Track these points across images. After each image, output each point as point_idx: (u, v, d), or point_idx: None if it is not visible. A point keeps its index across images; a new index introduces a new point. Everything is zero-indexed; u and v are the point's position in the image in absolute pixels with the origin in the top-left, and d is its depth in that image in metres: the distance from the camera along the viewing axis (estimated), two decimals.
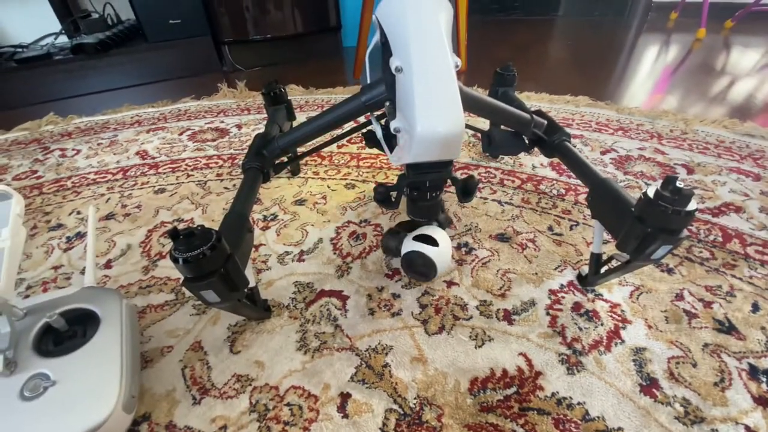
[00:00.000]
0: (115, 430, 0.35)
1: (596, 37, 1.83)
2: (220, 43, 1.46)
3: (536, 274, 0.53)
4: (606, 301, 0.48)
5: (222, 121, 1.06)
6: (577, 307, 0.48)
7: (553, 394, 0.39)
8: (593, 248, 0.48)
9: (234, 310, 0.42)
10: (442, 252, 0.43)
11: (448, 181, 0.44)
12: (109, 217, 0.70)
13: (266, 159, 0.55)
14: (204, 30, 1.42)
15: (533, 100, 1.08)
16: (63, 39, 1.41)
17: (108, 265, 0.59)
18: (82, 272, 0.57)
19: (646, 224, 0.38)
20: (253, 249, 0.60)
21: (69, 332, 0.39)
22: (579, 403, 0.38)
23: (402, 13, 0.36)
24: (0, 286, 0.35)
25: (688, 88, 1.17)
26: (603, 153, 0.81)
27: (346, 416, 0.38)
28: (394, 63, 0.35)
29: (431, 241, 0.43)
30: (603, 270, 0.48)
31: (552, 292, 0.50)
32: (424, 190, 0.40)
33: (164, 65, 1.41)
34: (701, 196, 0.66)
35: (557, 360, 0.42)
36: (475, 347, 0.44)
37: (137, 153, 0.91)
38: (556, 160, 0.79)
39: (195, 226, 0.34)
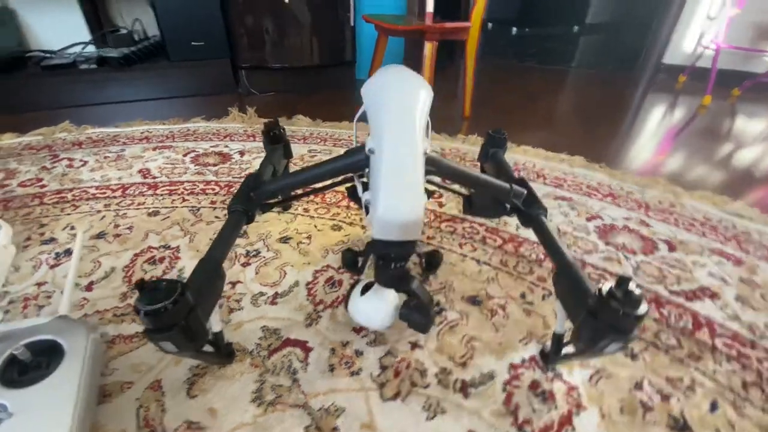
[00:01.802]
0: None
1: (605, 92, 1.87)
2: (238, 67, 1.52)
3: (501, 344, 0.53)
4: (564, 382, 0.49)
5: (227, 146, 1.10)
6: (534, 385, 0.48)
7: None
8: (556, 327, 0.48)
9: (193, 357, 0.43)
10: (360, 302, 0.44)
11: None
12: (101, 236, 0.72)
13: (253, 202, 0.57)
14: (224, 53, 1.48)
15: (529, 155, 1.11)
16: (90, 49, 1.48)
17: (89, 287, 0.60)
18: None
19: (597, 320, 0.39)
20: (230, 286, 0.62)
21: (34, 363, 0.40)
22: None
23: (381, 98, 0.38)
24: None
25: (688, 153, 1.18)
26: (588, 219, 0.82)
27: None
28: (368, 145, 0.37)
29: (365, 289, 0.44)
30: (564, 351, 0.49)
31: (513, 366, 0.50)
32: (388, 260, 0.41)
33: (182, 83, 1.47)
34: (678, 277, 0.67)
35: None
36: (426, 419, 0.44)
37: (140, 171, 0.95)
38: None
39: (162, 278, 0.36)
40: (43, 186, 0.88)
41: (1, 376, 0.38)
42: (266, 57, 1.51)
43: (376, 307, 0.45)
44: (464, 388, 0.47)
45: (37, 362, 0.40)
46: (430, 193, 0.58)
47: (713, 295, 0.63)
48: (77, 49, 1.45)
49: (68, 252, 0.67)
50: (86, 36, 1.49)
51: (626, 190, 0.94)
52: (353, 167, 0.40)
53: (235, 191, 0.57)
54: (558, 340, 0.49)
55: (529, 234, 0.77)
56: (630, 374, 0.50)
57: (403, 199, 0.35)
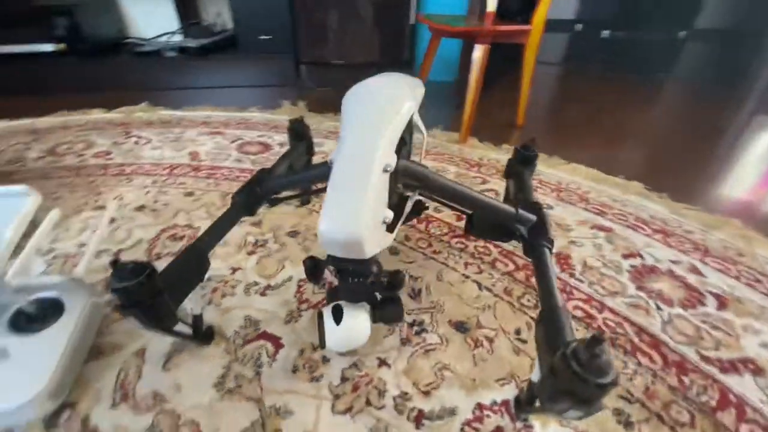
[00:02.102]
0: (38, 411, 0.41)
1: (698, 109, 1.62)
2: (299, 61, 1.59)
3: (474, 380, 0.50)
4: None
5: (271, 137, 1.16)
6: (497, 431, 0.44)
7: None
8: (532, 374, 0.44)
9: (163, 334, 0.46)
10: (340, 331, 0.43)
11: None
12: (140, 208, 0.81)
13: (257, 196, 0.59)
14: (288, 48, 1.56)
15: (578, 175, 1.00)
16: (176, 38, 1.66)
17: (117, 254, 0.68)
18: (97, 257, 0.67)
19: (556, 380, 0.34)
20: (231, 271, 0.65)
21: (39, 315, 0.47)
22: None
23: (348, 108, 0.37)
24: None
25: None
26: (625, 257, 0.72)
27: None
28: (330, 155, 0.37)
29: (338, 317, 0.43)
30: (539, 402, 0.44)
31: (480, 406, 0.47)
32: (347, 274, 0.40)
33: (248, 74, 1.58)
34: (718, 342, 0.56)
35: None
36: None
37: (190, 153, 1.04)
38: (562, 247, 0.73)
39: (137, 260, 0.39)
40: (109, 158, 1.01)
41: (11, 323, 0.45)
42: (326, 53, 1.56)
43: (357, 329, 0.44)
44: (419, 418, 0.45)
45: (41, 315, 0.47)
46: (420, 209, 0.56)
47: (758, 371, 0.52)
48: (166, 38, 1.63)
49: (112, 220, 0.77)
50: (175, 26, 1.67)
51: (685, 228, 0.81)
52: (318, 178, 0.39)
53: (244, 182, 0.61)
54: (532, 389, 0.44)
55: None
56: None
57: (340, 216, 0.34)
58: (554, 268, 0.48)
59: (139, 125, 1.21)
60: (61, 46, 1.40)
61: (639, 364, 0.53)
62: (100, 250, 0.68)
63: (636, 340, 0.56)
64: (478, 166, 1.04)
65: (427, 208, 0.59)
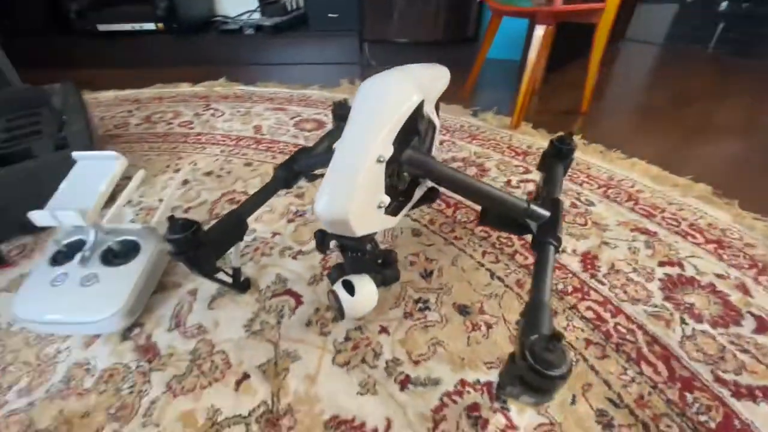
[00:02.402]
0: (116, 325, 0.55)
1: None
2: (363, 39, 1.63)
3: (464, 359, 0.54)
4: (507, 418, 0.47)
5: (326, 115, 1.24)
6: (473, 408, 0.48)
7: None
8: None
9: (209, 280, 0.57)
10: (356, 301, 0.49)
11: None
12: (208, 173, 0.95)
13: (294, 172, 0.67)
14: (354, 26, 1.60)
15: (635, 171, 0.93)
16: (256, 16, 1.79)
17: (186, 210, 0.82)
18: (172, 211, 0.82)
19: (513, 366, 0.37)
20: (271, 235, 0.75)
21: (122, 252, 0.60)
22: None
23: (358, 101, 0.42)
24: (93, 219, 0.57)
25: None
26: (661, 264, 0.68)
27: (237, 390, 0.50)
28: (336, 143, 0.42)
29: (350, 289, 0.49)
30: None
31: (463, 382, 0.51)
32: (346, 248, 0.46)
33: (315, 52, 1.67)
34: (742, 365, 0.52)
35: None
36: (357, 393, 0.50)
37: (254, 127, 1.17)
38: (592, 247, 0.71)
39: (187, 218, 0.49)
40: (191, 128, 1.17)
41: (102, 257, 0.59)
42: (390, 31, 1.58)
43: (368, 296, 0.50)
44: (404, 382, 0.51)
45: (125, 252, 0.60)
46: (434, 196, 0.59)
47: None
48: (246, 16, 1.77)
49: (185, 182, 0.91)
50: (255, 4, 1.80)
51: (747, 241, 0.73)
52: (327, 162, 0.45)
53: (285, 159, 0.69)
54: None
55: (568, 261, 0.69)
56: None
57: (331, 199, 0.39)
58: (553, 266, 0.49)
59: (216, 99, 1.37)
60: (160, 25, 1.61)
61: (640, 373, 0.52)
62: (174, 206, 0.83)
63: (645, 349, 0.55)
64: (525, 155, 1.01)
65: (440, 195, 0.62)
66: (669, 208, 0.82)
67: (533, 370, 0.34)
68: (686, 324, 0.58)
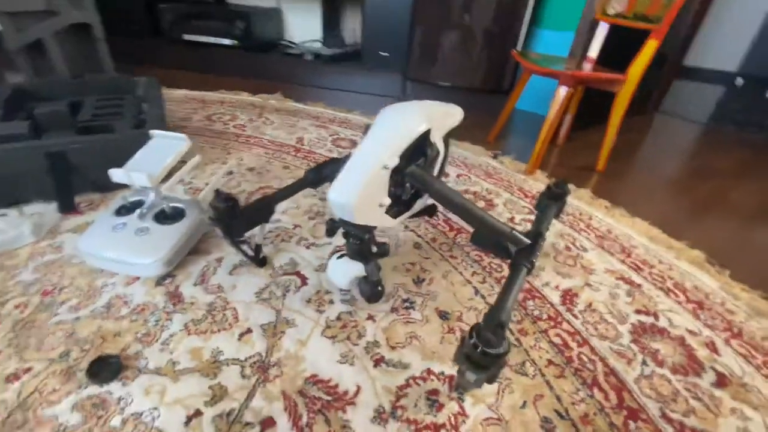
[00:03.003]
0: (155, 270, 0.67)
1: None
2: (407, 77, 1.80)
3: (435, 353, 0.61)
4: (461, 406, 0.54)
5: (360, 137, 1.37)
6: (433, 392, 0.55)
7: (345, 424, 0.50)
8: None
9: (237, 250, 0.68)
10: (335, 265, 0.60)
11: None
12: (251, 169, 1.09)
13: (321, 176, 0.79)
14: (400, 65, 1.78)
15: (634, 229, 0.98)
16: (317, 45, 2.01)
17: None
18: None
19: (462, 345, 0.45)
20: (293, 226, 0.87)
21: (171, 215, 0.73)
22: None
23: (377, 120, 0.53)
24: (156, 182, 0.71)
25: None
26: (637, 312, 0.73)
27: (239, 340, 0.60)
28: (355, 149, 0.53)
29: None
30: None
31: (429, 371, 0.58)
32: (348, 235, 0.56)
33: (362, 82, 1.85)
34: (692, 410, 0.56)
35: (373, 411, 0.52)
36: (337, 362, 0.58)
37: (297, 138, 1.32)
38: (575, 286, 0.77)
39: (230, 194, 0.62)
40: (243, 130, 1.34)
41: (155, 216, 0.72)
42: (432, 74, 1.73)
43: (340, 269, 0.61)
44: (378, 361, 0.59)
45: (173, 215, 0.73)
46: (432, 211, 0.69)
47: None
48: (309, 44, 2.00)
49: (230, 173, 1.06)
50: (318, 36, 2.03)
51: (728, 307, 0.76)
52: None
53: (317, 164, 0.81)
54: None
55: (549, 293, 0.75)
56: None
57: (342, 187, 0.49)
58: (521, 284, 0.56)
59: (270, 110, 1.55)
60: (235, 42, 1.85)
61: (591, 396, 0.57)
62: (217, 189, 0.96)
63: (601, 378, 0.60)
64: (533, 198, 1.09)
65: (437, 212, 0.71)
66: (658, 266, 0.86)
67: (475, 346, 0.42)
68: (647, 365, 0.63)
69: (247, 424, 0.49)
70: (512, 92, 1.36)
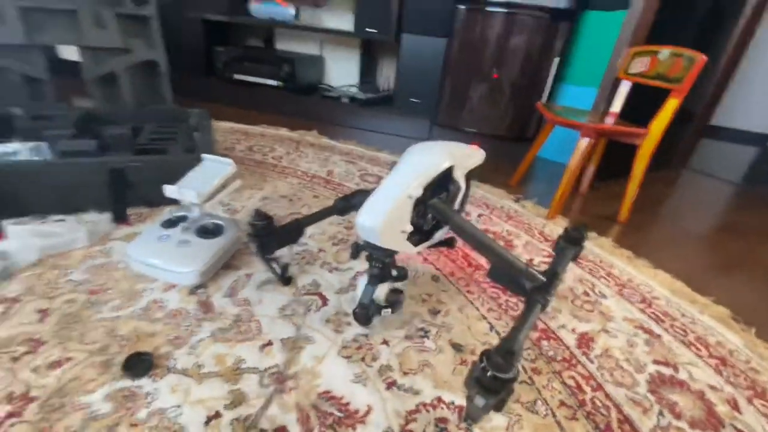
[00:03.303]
0: (191, 280, 0.72)
1: None
2: (434, 123, 1.90)
3: (446, 382, 0.62)
4: None
5: (387, 173, 1.45)
6: (442, 420, 0.56)
7: None
8: None
9: (266, 267, 0.74)
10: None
11: None
12: (284, 196, 1.17)
13: (349, 204, 0.85)
14: (429, 112, 1.89)
15: (655, 280, 0.97)
16: (353, 89, 2.17)
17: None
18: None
19: (473, 370, 0.47)
20: (318, 250, 0.92)
21: (211, 231, 0.80)
22: None
23: (404, 156, 0.59)
24: (204, 200, 0.79)
25: None
26: (656, 362, 0.72)
27: (261, 351, 0.63)
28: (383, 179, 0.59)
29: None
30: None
31: (440, 399, 0.59)
32: (371, 258, 0.60)
33: (393, 125, 1.97)
34: None
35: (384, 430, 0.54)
36: (351, 381, 0.60)
37: (328, 171, 1.41)
38: (591, 330, 0.77)
39: (267, 214, 0.68)
40: (279, 161, 1.44)
41: (197, 230, 0.79)
42: (459, 120, 1.83)
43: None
44: (390, 385, 0.60)
45: (212, 231, 0.80)
46: (451, 243, 0.72)
47: None
48: (346, 88, 2.16)
49: (264, 198, 1.14)
50: (355, 81, 2.20)
51: (752, 365, 0.74)
52: None
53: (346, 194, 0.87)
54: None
55: (565, 335, 0.75)
56: None
57: (369, 212, 0.54)
58: (534, 319, 0.58)
59: (305, 144, 1.67)
60: (280, 83, 2.03)
61: None
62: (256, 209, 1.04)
63: (614, 424, 0.59)
64: (552, 242, 1.11)
65: (455, 244, 0.75)
66: (681, 318, 0.85)
67: (485, 370, 0.44)
68: (663, 416, 0.62)
69: (262, 430, 0.52)
70: (535, 140, 1.42)
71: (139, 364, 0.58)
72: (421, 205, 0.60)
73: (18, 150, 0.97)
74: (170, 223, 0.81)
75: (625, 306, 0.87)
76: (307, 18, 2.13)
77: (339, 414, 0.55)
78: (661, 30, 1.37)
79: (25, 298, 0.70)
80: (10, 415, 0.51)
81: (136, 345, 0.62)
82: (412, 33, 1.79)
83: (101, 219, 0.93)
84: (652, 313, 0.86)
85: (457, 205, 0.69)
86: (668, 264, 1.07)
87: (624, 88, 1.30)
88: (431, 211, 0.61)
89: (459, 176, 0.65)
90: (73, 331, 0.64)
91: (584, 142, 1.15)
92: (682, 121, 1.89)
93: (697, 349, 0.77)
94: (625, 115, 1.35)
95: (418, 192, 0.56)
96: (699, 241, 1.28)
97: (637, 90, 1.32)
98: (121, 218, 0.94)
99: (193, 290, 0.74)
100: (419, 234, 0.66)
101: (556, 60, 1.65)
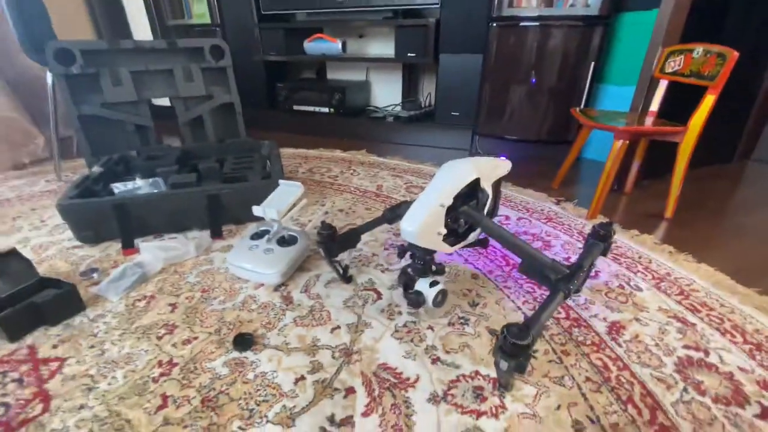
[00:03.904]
0: (275, 279, 0.92)
1: None
2: (476, 133, 2.00)
3: (483, 359, 0.74)
4: (501, 401, 0.65)
5: None
6: (478, 388, 0.68)
7: (407, 400, 0.66)
8: None
9: (331, 268, 0.91)
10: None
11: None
12: (341, 210, 1.36)
13: (396, 214, 1.00)
14: (470, 123, 2.00)
15: (698, 275, 1.00)
16: (397, 108, 2.35)
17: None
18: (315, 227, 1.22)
19: (498, 341, 0.59)
20: (371, 254, 1.08)
21: (288, 241, 1.00)
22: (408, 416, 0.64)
23: (439, 171, 0.73)
24: (281, 216, 0.99)
25: None
26: (686, 347, 0.77)
27: (331, 333, 0.80)
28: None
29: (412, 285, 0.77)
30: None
31: (477, 372, 0.71)
32: (413, 256, 0.75)
33: (436, 138, 2.11)
34: None
35: (429, 395, 0.67)
36: (402, 356, 0.74)
37: (377, 185, 1.58)
38: (623, 319, 0.84)
39: (332, 225, 0.86)
40: (335, 179, 1.65)
41: (277, 240, 0.99)
42: (500, 129, 1.92)
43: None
44: (435, 360, 0.73)
45: (290, 241, 1.00)
46: (485, 244, 0.85)
47: None
48: (391, 108, 2.35)
49: (326, 213, 1.34)
50: (398, 100, 2.38)
51: None
52: None
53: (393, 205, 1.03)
54: None
55: (595, 323, 0.83)
56: None
57: (409, 219, 0.69)
58: (557, 306, 0.68)
59: (356, 163, 1.87)
60: (332, 110, 2.28)
61: (624, 410, 0.65)
62: (316, 225, 1.24)
63: (637, 398, 0.67)
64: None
65: (488, 244, 0.87)
66: (719, 309, 0.88)
67: (504, 336, 0.57)
68: (687, 393, 0.68)
69: (336, 389, 0.68)
70: (574, 144, 1.47)
71: (244, 342, 0.77)
72: (453, 212, 0.73)
73: (141, 186, 1.25)
74: (257, 236, 1.02)
75: (660, 298, 0.92)
76: (354, 49, 2.37)
77: (394, 380, 0.69)
78: (699, 27, 1.37)
79: (158, 296, 0.93)
80: (162, 375, 0.72)
81: (239, 328, 0.82)
82: (449, 53, 1.93)
83: (203, 235, 1.18)
84: (689, 304, 0.90)
85: (486, 210, 0.82)
86: (713, 260, 1.08)
87: (661, 88, 1.33)
88: (463, 216, 0.74)
89: (486, 186, 0.78)
90: (195, 318, 0.86)
91: (618, 144, 1.20)
92: (738, 108, 1.80)
93: (733, 336, 0.80)
94: (668, 113, 1.37)
95: (448, 201, 0.70)
96: (753, 236, 1.25)
97: (675, 86, 1.33)
98: (217, 234, 1.18)
99: (277, 288, 0.94)
100: (455, 236, 0.80)
101: (592, 64, 1.69)
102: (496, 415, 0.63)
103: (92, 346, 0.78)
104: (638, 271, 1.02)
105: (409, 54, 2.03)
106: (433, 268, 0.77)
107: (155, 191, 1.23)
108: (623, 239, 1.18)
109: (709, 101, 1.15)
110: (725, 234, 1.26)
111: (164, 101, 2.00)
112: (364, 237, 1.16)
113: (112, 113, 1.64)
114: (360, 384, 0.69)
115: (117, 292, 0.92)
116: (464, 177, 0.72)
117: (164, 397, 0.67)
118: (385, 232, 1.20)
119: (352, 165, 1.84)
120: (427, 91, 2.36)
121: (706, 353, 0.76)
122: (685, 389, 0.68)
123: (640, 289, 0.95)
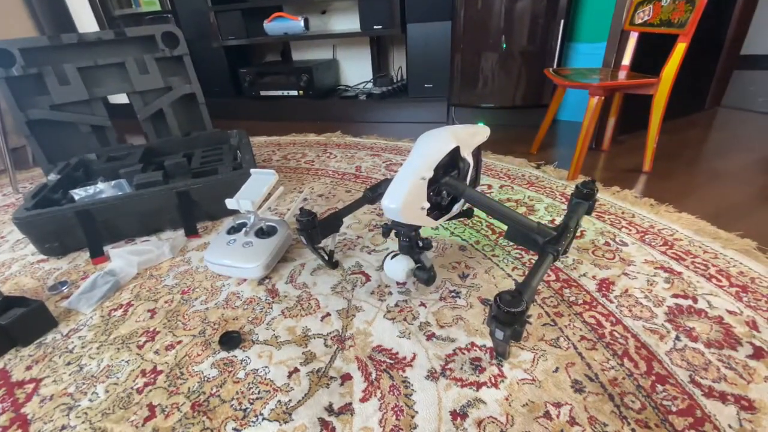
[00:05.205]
0: (257, 273, 0.88)
1: None
2: (451, 104, 1.96)
3: (477, 330, 0.73)
4: (500, 370, 0.65)
5: None
6: (476, 359, 0.67)
7: (405, 380, 0.65)
8: None
9: (315, 255, 0.88)
10: (390, 264, 0.75)
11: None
12: (321, 195, 1.31)
13: (377, 193, 0.97)
14: (444, 94, 1.96)
15: (680, 223, 1.01)
16: (369, 86, 2.28)
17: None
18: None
19: (491, 310, 0.58)
20: (356, 237, 1.05)
21: (267, 232, 0.96)
22: (408, 396, 0.63)
23: (416, 142, 0.70)
24: (257, 207, 0.94)
25: None
26: (675, 296, 0.78)
27: (321, 321, 0.77)
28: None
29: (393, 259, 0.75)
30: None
31: (473, 344, 0.70)
32: (399, 234, 0.72)
33: (410, 113, 2.06)
34: (723, 377, 0.61)
35: (427, 372, 0.66)
36: (397, 336, 0.72)
37: (356, 167, 1.54)
38: (611, 275, 0.84)
39: (311, 211, 0.82)
40: (312, 165, 1.59)
41: (256, 233, 0.94)
42: (474, 97, 1.88)
43: (395, 266, 0.76)
44: (430, 337, 0.72)
45: (269, 231, 0.95)
46: (470, 214, 0.83)
47: (748, 408, 0.56)
48: (362, 85, 2.27)
49: (305, 199, 1.29)
50: (369, 77, 2.30)
51: None
52: None
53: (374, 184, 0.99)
54: None
55: (585, 282, 0.83)
56: (555, 399, 0.60)
57: (390, 196, 0.65)
58: (547, 268, 0.67)
59: (332, 146, 1.81)
60: (301, 93, 2.19)
61: (621, 364, 0.65)
62: (296, 213, 1.19)
63: (632, 350, 0.67)
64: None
65: (473, 214, 0.85)
66: (702, 255, 0.89)
67: (498, 305, 0.55)
68: (679, 340, 0.68)
69: (332, 377, 0.66)
70: (549, 106, 1.45)
71: (231, 341, 0.74)
72: (435, 184, 0.70)
73: (104, 189, 1.18)
74: (234, 230, 0.97)
75: (645, 250, 0.92)
76: (317, 26, 2.26)
77: (390, 361, 0.68)
78: None
79: (135, 303, 0.88)
80: (146, 384, 0.69)
81: (225, 327, 0.78)
82: (417, 22, 1.86)
83: (177, 235, 1.12)
84: (674, 253, 0.91)
85: (469, 179, 0.79)
86: (694, 207, 1.09)
87: (631, 40, 1.31)
88: (445, 188, 0.72)
89: (466, 154, 0.75)
90: (177, 321, 0.82)
91: (594, 101, 1.19)
92: (709, 57, 1.82)
93: (718, 280, 0.81)
94: (636, 67, 1.35)
95: (429, 173, 0.67)
96: (727, 180, 1.27)
97: (645, 39, 1.32)
98: (192, 232, 1.12)
99: (260, 281, 0.90)
100: (439, 209, 0.77)
101: (562, 22, 1.65)
102: (495, 385, 0.62)
103: (69, 363, 0.73)
104: (622, 226, 1.02)
105: (375, 26, 1.95)
106: (420, 243, 0.74)
107: (119, 194, 1.16)
108: (605, 196, 1.19)
109: (680, 50, 1.13)
110: (702, 180, 1.27)
111: (122, 98, 1.88)
112: (347, 220, 1.13)
113: (64, 115, 1.53)
114: (356, 369, 0.67)
115: (89, 303, 0.87)
116: (443, 147, 0.68)
117: (151, 408, 0.63)
118: (368, 213, 1.16)
119: (327, 148, 1.78)
120: (398, 65, 2.29)
121: (695, 300, 0.77)
122: (677, 337, 0.69)
123: (625, 244, 0.95)
